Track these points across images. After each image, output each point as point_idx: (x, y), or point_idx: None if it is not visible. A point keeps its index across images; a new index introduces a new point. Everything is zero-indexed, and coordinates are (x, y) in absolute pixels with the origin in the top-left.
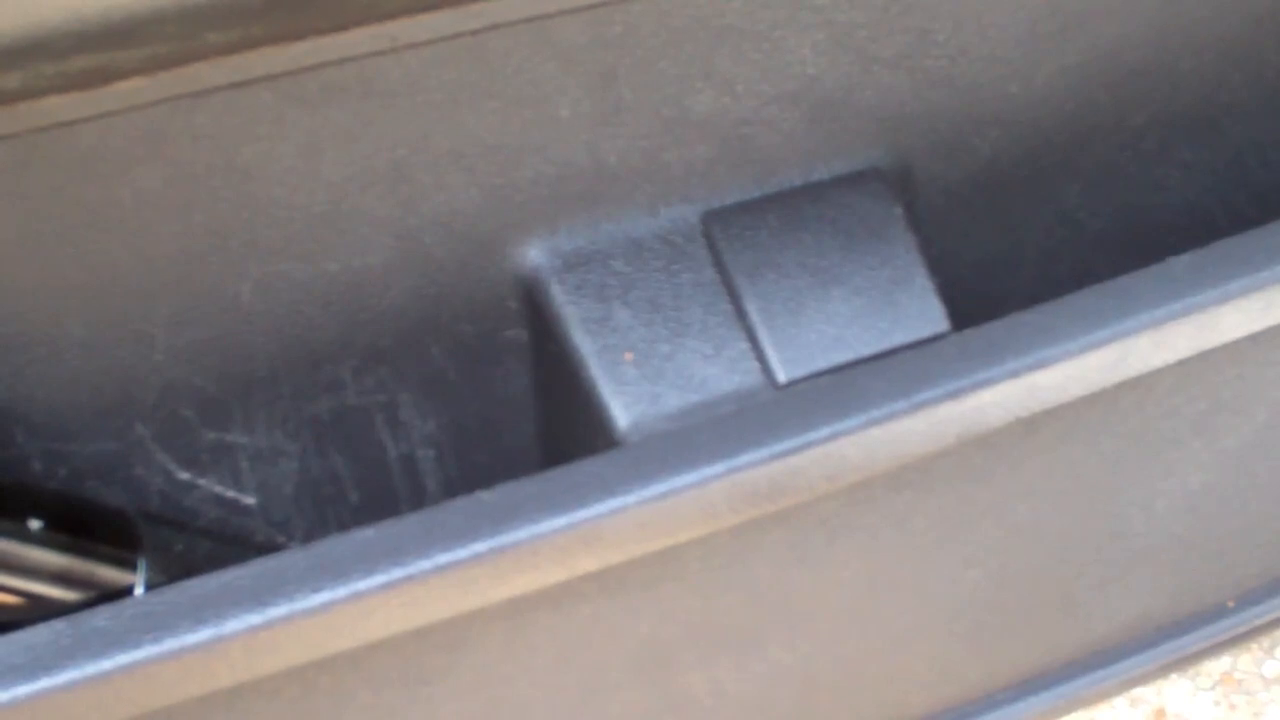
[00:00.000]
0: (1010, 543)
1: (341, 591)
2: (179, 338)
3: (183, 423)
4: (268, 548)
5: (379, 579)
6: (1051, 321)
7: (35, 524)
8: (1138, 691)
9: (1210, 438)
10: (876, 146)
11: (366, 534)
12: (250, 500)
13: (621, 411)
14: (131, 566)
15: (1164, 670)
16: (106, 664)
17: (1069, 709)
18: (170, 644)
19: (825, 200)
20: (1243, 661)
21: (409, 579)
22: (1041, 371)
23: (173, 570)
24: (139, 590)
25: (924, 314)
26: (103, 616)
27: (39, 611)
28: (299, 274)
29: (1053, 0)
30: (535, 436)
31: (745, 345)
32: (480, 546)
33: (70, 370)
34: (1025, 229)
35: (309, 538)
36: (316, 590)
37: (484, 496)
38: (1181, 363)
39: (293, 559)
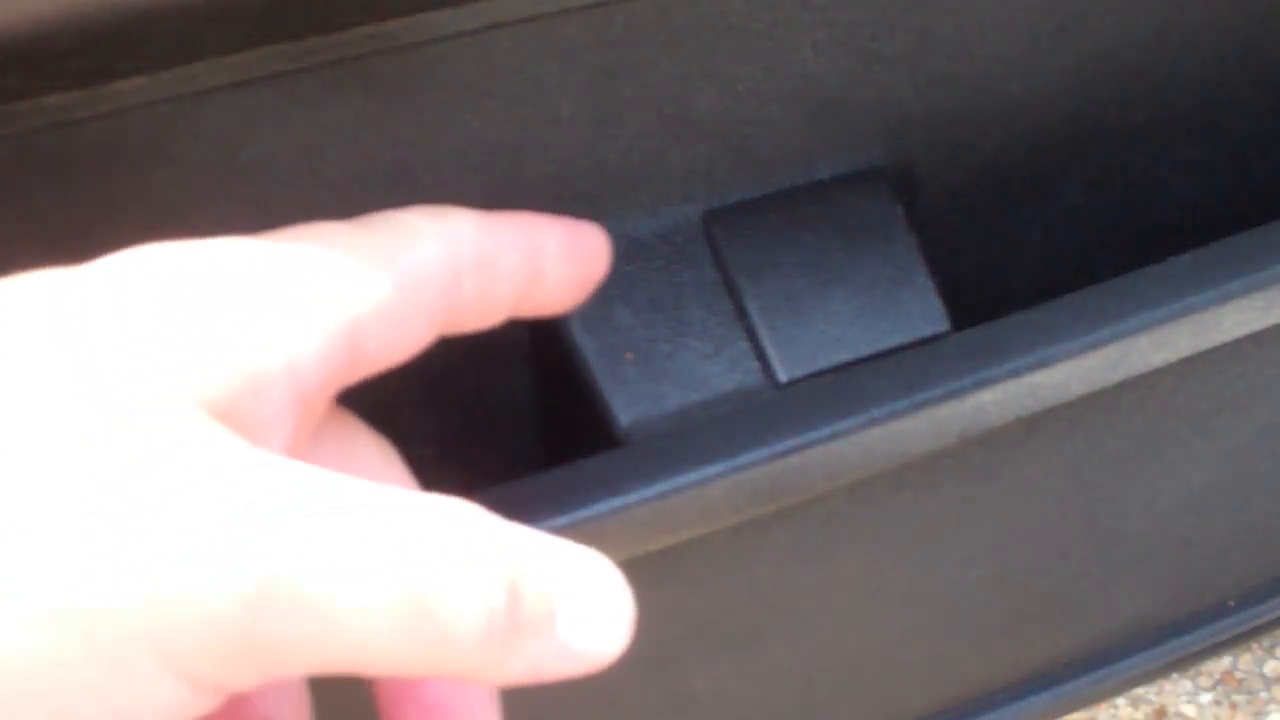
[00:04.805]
0: (1011, 542)
1: None
2: None
3: None
4: None
5: None
6: (1051, 321)
7: None
8: (1138, 691)
9: (1211, 437)
10: (877, 146)
11: None
12: None
13: (622, 411)
14: None
15: (1164, 670)
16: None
17: (1069, 709)
18: None
19: (826, 200)
20: (1244, 661)
21: None
22: (1042, 371)
23: None
24: None
25: (924, 313)
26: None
27: None
28: None
29: (1053, 0)
30: (535, 436)
31: (746, 344)
32: None
33: None
34: (1026, 229)
35: None
36: None
37: (484, 496)
38: (1182, 362)
39: None
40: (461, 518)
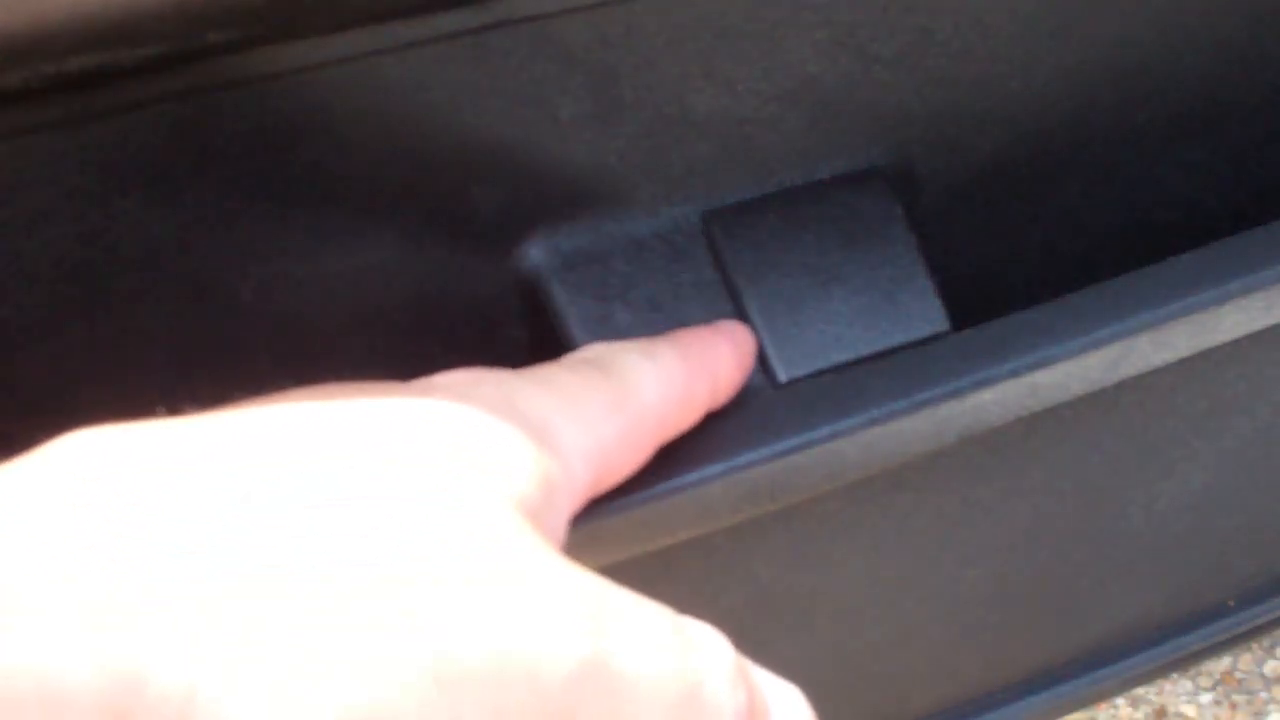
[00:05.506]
0: (1010, 542)
1: None
2: (179, 337)
3: None
4: None
5: None
6: (1051, 321)
7: None
8: (1138, 691)
9: (1211, 437)
10: (876, 146)
11: None
12: None
13: None
14: None
15: (1164, 670)
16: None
17: (1069, 709)
18: None
19: (825, 200)
20: (1244, 661)
21: None
22: (1042, 371)
23: None
24: None
25: (924, 313)
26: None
27: None
28: (299, 274)
29: (1053, 0)
30: None
31: None
32: None
33: (70, 372)
34: (1025, 228)
35: None
36: None
37: None
38: (1182, 362)
39: None
40: (710, 628)
